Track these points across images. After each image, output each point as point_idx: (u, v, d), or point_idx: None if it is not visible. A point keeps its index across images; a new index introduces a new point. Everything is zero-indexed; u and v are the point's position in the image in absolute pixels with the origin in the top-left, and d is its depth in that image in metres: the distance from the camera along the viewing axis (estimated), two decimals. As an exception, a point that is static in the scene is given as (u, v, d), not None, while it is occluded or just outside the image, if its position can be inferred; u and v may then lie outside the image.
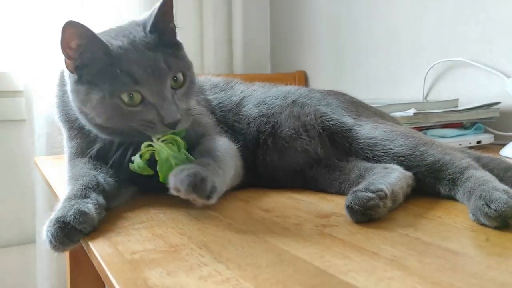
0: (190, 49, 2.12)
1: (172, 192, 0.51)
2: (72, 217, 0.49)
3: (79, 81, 0.59)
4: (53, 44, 1.52)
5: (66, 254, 1.02)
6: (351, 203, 0.51)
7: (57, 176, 0.83)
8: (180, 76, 0.62)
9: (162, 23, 0.63)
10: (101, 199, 0.55)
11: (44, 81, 1.52)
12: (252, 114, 0.76)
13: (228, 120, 0.76)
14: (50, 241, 0.48)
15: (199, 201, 0.51)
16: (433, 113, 1.01)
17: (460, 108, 1.07)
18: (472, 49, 1.20)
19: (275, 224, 0.53)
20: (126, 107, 0.58)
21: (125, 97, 0.58)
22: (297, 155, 0.71)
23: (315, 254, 0.42)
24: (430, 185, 0.60)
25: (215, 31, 1.99)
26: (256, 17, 2.12)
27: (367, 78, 1.61)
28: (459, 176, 0.58)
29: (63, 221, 0.49)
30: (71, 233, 0.48)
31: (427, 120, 1.01)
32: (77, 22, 0.56)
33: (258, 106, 0.77)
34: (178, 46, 0.66)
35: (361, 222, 0.51)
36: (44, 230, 0.50)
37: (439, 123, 1.03)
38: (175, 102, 0.60)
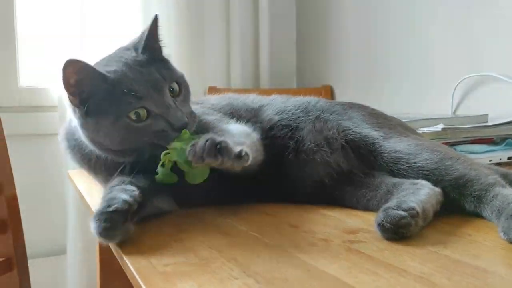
0: (217, 63, 2.15)
1: (196, 162, 0.53)
2: (113, 206, 0.51)
3: (86, 113, 0.62)
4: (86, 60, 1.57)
5: (97, 265, 1.05)
6: (383, 221, 0.51)
7: (89, 188, 0.85)
8: (175, 85, 0.66)
9: (152, 43, 0.68)
10: (136, 193, 0.56)
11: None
12: (273, 120, 0.76)
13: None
14: (99, 233, 0.51)
15: (229, 163, 0.53)
16: (462, 128, 1.00)
17: (489, 123, 1.05)
18: (502, 64, 1.19)
19: (302, 239, 0.53)
20: (136, 124, 0.61)
21: (132, 115, 0.61)
22: (317, 166, 0.71)
23: (343, 270, 0.43)
24: (455, 200, 0.60)
25: (242, 45, 2.02)
26: (282, 31, 2.14)
27: (394, 93, 1.61)
28: (485, 193, 0.57)
29: (103, 211, 0.51)
30: (113, 220, 0.51)
31: (456, 136, 1.00)
32: (73, 60, 0.60)
33: (279, 114, 0.78)
34: (166, 60, 0.70)
35: (392, 240, 0.51)
36: (91, 227, 0.52)
37: (468, 139, 1.02)
38: (178, 107, 0.63)
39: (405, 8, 1.55)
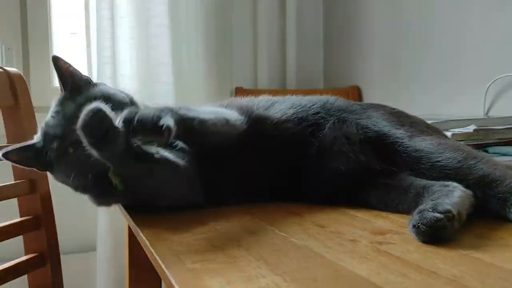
0: (244, 64, 2.16)
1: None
2: None
3: (54, 177, 0.71)
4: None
5: (126, 262, 1.07)
6: (419, 223, 0.50)
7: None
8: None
9: (66, 81, 0.73)
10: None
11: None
12: (287, 113, 0.76)
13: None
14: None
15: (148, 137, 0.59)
16: (494, 129, 0.98)
17: (524, 124, 1.03)
18: (537, 63, 1.16)
19: (330, 239, 0.53)
20: (77, 154, 0.64)
21: (70, 150, 0.66)
22: (336, 158, 0.70)
23: (372, 271, 0.42)
24: (479, 201, 0.58)
25: (269, 46, 2.03)
26: (309, 31, 2.13)
27: (424, 93, 1.58)
28: (510, 196, 0.56)
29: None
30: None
31: (488, 137, 0.97)
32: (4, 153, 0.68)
33: (293, 108, 0.77)
34: (89, 83, 0.75)
35: (428, 242, 0.50)
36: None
37: (501, 140, 0.99)
38: None
39: (435, 7, 1.52)
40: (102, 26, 1.64)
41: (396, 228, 0.57)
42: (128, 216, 0.65)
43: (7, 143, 0.90)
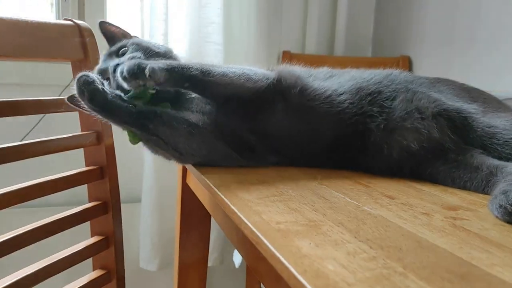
0: (293, 27, 2.13)
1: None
2: None
3: None
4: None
5: (177, 216, 1.11)
6: (507, 203, 0.50)
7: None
8: (122, 50, 0.78)
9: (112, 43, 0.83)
10: None
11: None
12: (344, 86, 0.76)
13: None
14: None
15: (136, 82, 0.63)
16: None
17: None
18: None
19: (402, 211, 0.54)
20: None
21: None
22: (407, 132, 0.70)
23: (453, 245, 0.44)
24: None
25: (320, 10, 1.99)
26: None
27: (480, 68, 1.53)
28: None
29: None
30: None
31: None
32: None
33: (353, 80, 0.77)
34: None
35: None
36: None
37: None
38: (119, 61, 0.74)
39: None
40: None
41: (466, 205, 0.58)
42: (202, 176, 0.68)
43: (76, 95, 0.94)
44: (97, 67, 0.78)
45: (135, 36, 0.87)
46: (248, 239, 0.47)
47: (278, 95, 0.73)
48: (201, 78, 0.66)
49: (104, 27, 0.83)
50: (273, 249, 0.40)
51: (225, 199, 0.56)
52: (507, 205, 0.50)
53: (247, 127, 0.73)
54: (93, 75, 0.65)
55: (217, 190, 0.59)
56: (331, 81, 0.78)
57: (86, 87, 0.63)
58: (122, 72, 0.63)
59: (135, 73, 0.62)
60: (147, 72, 0.62)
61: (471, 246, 0.44)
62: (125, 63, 0.64)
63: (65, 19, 0.91)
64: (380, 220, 0.50)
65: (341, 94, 0.75)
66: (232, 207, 0.53)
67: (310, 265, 0.37)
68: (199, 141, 0.71)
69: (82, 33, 0.92)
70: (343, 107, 0.73)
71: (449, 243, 0.44)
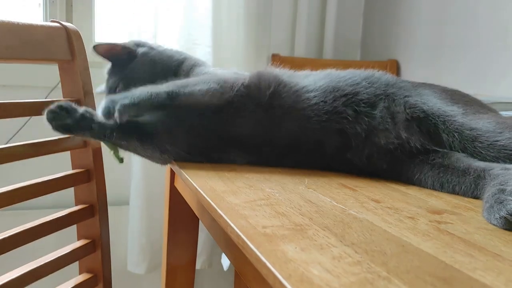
0: (282, 30, 2.14)
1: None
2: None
3: None
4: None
5: (166, 217, 1.11)
6: (507, 213, 0.49)
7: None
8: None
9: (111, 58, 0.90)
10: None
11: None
12: (317, 84, 0.77)
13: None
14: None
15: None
16: (544, 116, 0.96)
17: None
18: None
19: (388, 215, 0.55)
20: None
21: None
22: (379, 133, 0.72)
23: (437, 249, 0.44)
24: None
25: (309, 14, 2.00)
26: (350, 1, 2.10)
27: (468, 72, 1.55)
28: None
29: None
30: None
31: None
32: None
33: (327, 79, 0.78)
34: (133, 52, 0.92)
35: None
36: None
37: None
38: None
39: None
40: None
41: (451, 208, 0.58)
42: (190, 180, 0.68)
43: (63, 97, 0.93)
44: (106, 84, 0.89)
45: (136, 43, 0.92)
46: (234, 243, 0.47)
47: (251, 98, 0.76)
48: (169, 103, 0.73)
49: (98, 49, 0.86)
50: (258, 254, 0.41)
51: (211, 203, 0.56)
52: (507, 215, 0.49)
53: (221, 131, 0.77)
54: (64, 104, 0.77)
55: (204, 194, 0.59)
56: (306, 79, 0.79)
57: (54, 122, 0.76)
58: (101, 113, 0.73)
59: (107, 115, 0.72)
60: (116, 115, 0.70)
61: (454, 250, 0.44)
62: (101, 104, 0.73)
63: (52, 21, 0.90)
64: (365, 224, 0.51)
65: (310, 91, 0.76)
66: (219, 211, 0.53)
67: (295, 269, 0.37)
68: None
69: (69, 35, 0.91)
70: (310, 104, 0.74)
71: (433, 247, 0.44)
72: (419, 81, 0.81)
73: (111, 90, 0.87)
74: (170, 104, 0.73)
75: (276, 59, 1.95)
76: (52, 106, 0.76)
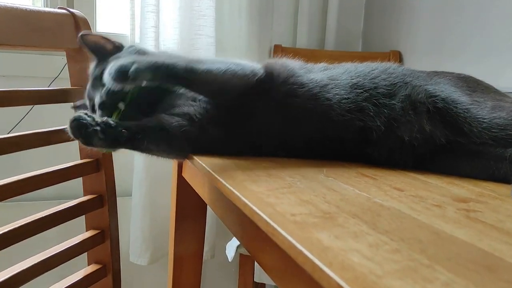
0: (284, 21, 2.13)
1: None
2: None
3: None
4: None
5: (172, 208, 1.10)
6: None
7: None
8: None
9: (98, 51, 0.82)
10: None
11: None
12: (339, 81, 0.75)
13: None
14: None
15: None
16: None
17: None
18: None
19: (414, 203, 0.54)
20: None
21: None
22: (400, 125, 0.71)
23: (472, 237, 0.43)
24: None
25: (311, 4, 1.98)
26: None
27: (471, 63, 1.55)
28: None
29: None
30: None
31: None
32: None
33: (347, 73, 0.76)
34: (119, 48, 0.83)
35: None
36: None
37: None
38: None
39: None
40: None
41: (475, 197, 0.58)
42: (207, 169, 0.66)
43: (71, 85, 0.91)
44: (86, 92, 0.80)
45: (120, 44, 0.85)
46: (253, 232, 0.46)
47: (267, 91, 0.73)
48: (185, 76, 0.67)
49: (86, 39, 0.80)
50: (293, 241, 0.40)
51: (234, 191, 0.55)
52: None
53: (237, 124, 0.74)
54: (84, 115, 0.66)
55: (225, 183, 0.58)
56: (323, 75, 0.77)
57: (80, 132, 0.66)
58: (111, 74, 0.64)
59: (120, 77, 0.64)
60: (130, 74, 0.63)
61: (490, 238, 0.43)
62: (112, 65, 0.65)
63: (59, 8, 0.88)
64: (394, 212, 0.50)
65: (331, 89, 0.74)
66: (243, 199, 0.51)
67: (335, 257, 0.36)
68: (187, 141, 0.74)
69: (77, 22, 0.89)
70: (333, 103, 0.73)
71: (467, 235, 0.44)
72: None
73: (90, 100, 0.80)
74: (186, 78, 0.68)
75: (278, 50, 1.94)
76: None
